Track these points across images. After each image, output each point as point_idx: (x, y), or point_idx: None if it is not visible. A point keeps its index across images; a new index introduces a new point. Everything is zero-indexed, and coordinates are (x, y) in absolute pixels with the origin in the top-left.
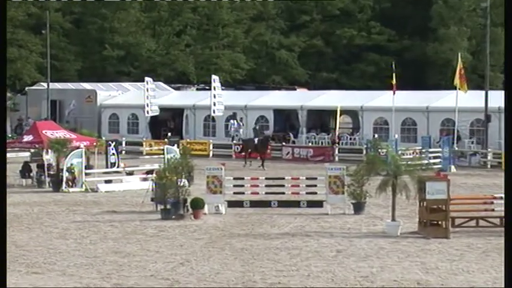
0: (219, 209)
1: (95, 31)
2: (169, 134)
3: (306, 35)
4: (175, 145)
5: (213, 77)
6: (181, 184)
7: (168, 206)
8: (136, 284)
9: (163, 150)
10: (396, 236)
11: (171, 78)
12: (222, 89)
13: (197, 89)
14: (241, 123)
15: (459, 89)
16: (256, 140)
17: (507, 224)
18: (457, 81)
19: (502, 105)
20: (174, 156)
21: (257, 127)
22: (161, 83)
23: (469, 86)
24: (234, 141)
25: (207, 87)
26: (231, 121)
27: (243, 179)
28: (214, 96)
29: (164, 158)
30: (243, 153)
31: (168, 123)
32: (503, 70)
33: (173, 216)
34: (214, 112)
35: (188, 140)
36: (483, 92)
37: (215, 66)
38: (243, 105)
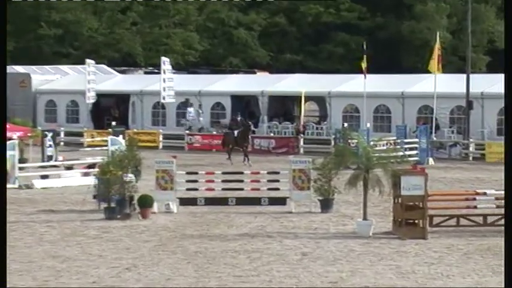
0: (170, 208)
1: (28, 7)
2: (113, 123)
3: (267, 12)
4: (121, 136)
5: (163, 59)
6: (128, 179)
7: (113, 204)
8: None
9: (106, 141)
10: (368, 236)
11: (115, 61)
12: (173, 73)
13: (145, 73)
14: (200, 111)
15: (434, 72)
16: (236, 132)
17: (507, 224)
18: (433, 64)
19: (485, 90)
20: (119, 148)
21: (239, 118)
22: (104, 66)
23: (449, 68)
24: (187, 131)
25: (156, 71)
26: (188, 109)
27: (196, 173)
28: (164, 81)
29: (108, 150)
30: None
31: (112, 111)
32: (486, 51)
33: (118, 216)
34: (164, 99)
35: (135, 130)
36: (464, 76)
37: (165, 47)
38: (196, 90)
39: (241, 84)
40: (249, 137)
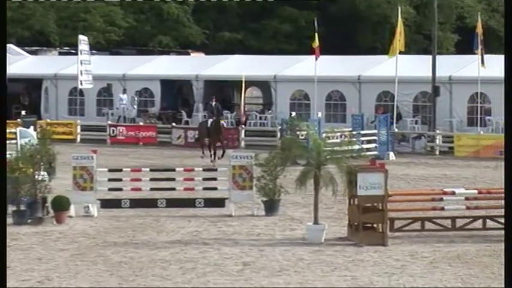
0: (90, 211)
1: None
2: (23, 112)
3: None
4: (31, 127)
5: (80, 37)
6: (40, 178)
7: (22, 207)
8: None
9: (15, 134)
10: (320, 243)
11: (25, 40)
12: (93, 54)
13: (59, 54)
14: (135, 98)
15: (395, 54)
16: (209, 121)
17: (507, 223)
18: (394, 47)
19: (454, 73)
20: (29, 141)
21: (213, 103)
22: (12, 46)
23: (412, 49)
24: (110, 122)
25: (72, 51)
26: (121, 95)
27: (120, 171)
28: (82, 63)
29: (17, 144)
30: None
31: (21, 99)
32: (455, 29)
33: (29, 220)
34: (81, 84)
35: (48, 121)
36: (430, 57)
37: (83, 24)
38: (120, 74)
39: (172, 67)
40: (221, 129)
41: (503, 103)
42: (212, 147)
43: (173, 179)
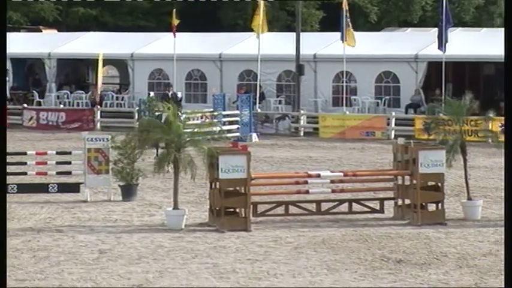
0: None
1: None
2: None
3: None
4: None
5: None
6: None
7: None
8: None
9: None
10: (180, 229)
11: None
12: None
13: None
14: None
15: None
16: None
17: (507, 222)
18: (257, 20)
19: (319, 51)
20: None
21: (170, 93)
22: None
23: (276, 26)
24: None
25: None
26: None
27: None
28: None
29: None
30: None
31: None
32: (319, 5)
33: None
34: None
35: None
36: (294, 35)
37: None
38: None
39: (22, 45)
40: None
41: (504, 103)
42: None
43: (24, 163)
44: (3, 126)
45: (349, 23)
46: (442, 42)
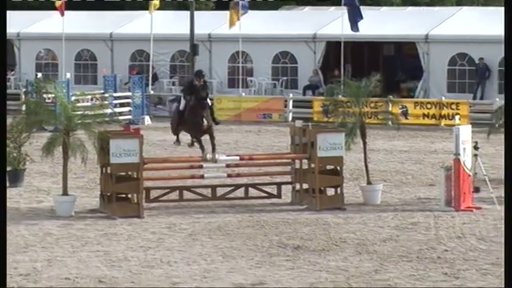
0: None
1: None
2: None
3: None
4: None
5: None
6: None
7: None
8: None
9: None
10: (69, 216)
11: None
12: None
13: None
14: None
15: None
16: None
17: (507, 222)
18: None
19: (213, 31)
20: None
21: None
22: None
23: (169, 4)
24: None
25: None
26: None
27: None
28: None
29: None
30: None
31: None
32: None
33: None
34: None
35: None
36: (187, 13)
37: None
38: None
39: None
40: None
41: (504, 102)
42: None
43: None
44: (3, 126)
45: (239, 3)
46: (354, 22)
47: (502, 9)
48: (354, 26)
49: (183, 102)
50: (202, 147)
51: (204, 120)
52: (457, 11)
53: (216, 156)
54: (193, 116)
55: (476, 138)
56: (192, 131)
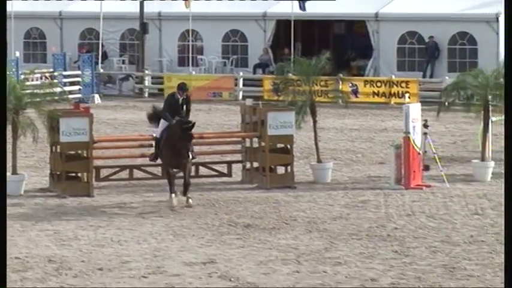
0: None
1: None
2: None
3: None
4: None
5: None
6: None
7: None
8: None
9: None
10: (19, 195)
11: None
12: None
13: None
14: None
15: None
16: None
17: (507, 221)
18: None
19: (163, 9)
20: None
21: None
22: None
23: None
24: None
25: None
26: None
27: None
28: None
29: None
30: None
31: None
32: None
33: None
34: None
35: None
36: None
37: None
38: None
39: None
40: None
41: (504, 102)
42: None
43: None
44: (3, 126)
45: None
46: (302, 1)
47: None
48: (302, 5)
49: (162, 123)
50: (171, 184)
51: (190, 153)
52: None
53: (190, 201)
54: (173, 145)
55: (425, 116)
56: (168, 159)
